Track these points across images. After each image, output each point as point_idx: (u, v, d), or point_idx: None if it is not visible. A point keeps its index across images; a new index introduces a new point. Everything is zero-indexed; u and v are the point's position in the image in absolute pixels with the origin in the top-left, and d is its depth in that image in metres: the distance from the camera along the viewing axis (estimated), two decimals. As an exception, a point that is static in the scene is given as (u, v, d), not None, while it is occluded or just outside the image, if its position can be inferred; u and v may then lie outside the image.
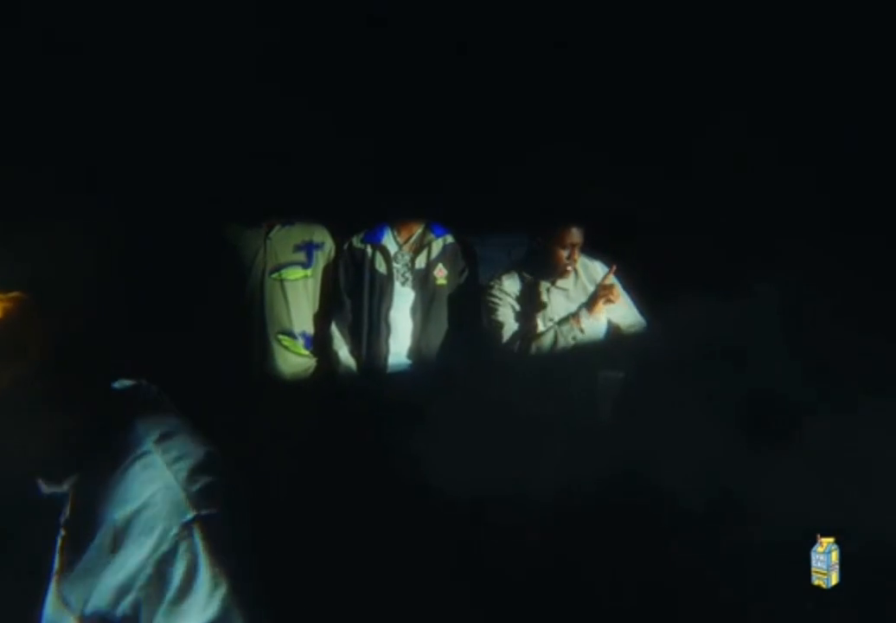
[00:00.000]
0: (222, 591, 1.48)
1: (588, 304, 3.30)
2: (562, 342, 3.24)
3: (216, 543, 1.50)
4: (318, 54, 3.59)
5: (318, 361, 3.46)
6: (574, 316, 3.29)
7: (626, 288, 3.39)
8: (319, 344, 3.43)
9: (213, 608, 1.47)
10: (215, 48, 3.26)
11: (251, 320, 3.37)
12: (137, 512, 1.52)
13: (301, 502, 2.93)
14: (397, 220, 3.45)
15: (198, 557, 1.49)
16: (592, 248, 3.38)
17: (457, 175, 3.47)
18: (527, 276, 3.35)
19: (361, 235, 3.44)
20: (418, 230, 3.45)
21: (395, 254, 3.39)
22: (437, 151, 3.48)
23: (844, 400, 2.82)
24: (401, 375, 3.37)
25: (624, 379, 3.20)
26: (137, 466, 1.55)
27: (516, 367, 3.33)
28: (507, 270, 3.38)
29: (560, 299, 3.34)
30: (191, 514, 1.51)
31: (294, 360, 3.41)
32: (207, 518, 1.52)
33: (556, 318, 3.30)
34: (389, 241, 3.43)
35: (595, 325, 3.35)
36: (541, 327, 3.30)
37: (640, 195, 3.32)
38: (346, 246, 3.43)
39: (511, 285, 3.33)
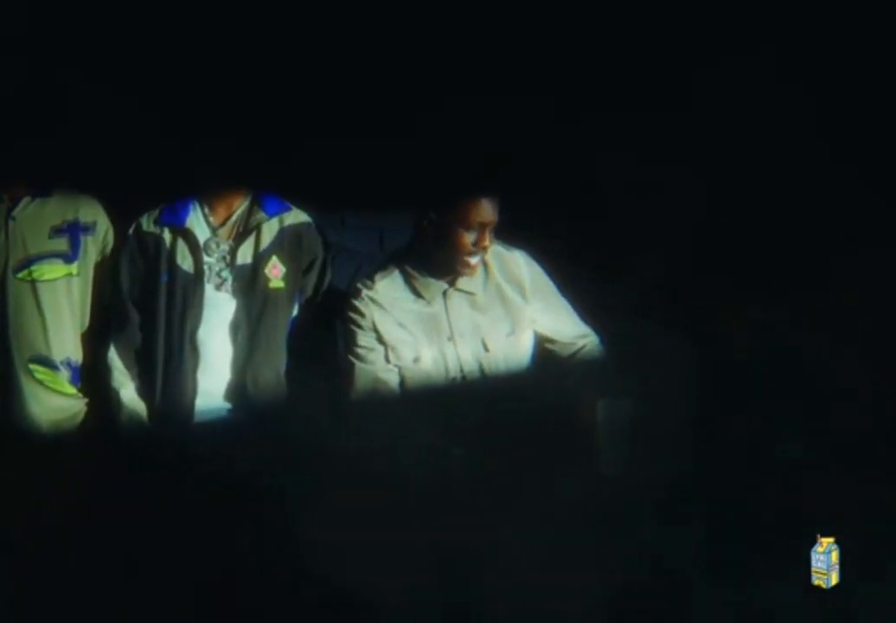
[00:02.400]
0: None
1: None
2: (463, 373, 2.66)
3: None
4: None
5: (89, 404, 2.88)
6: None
7: (565, 289, 2.78)
8: (92, 378, 2.86)
9: None
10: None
11: (-14, 341, 2.82)
12: None
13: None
14: (209, 191, 2.82)
15: None
16: (512, 232, 2.73)
17: (302, 123, 2.91)
18: (412, 273, 2.70)
19: (155, 213, 2.81)
20: (241, 206, 2.80)
21: (207, 242, 2.76)
22: (270, 88, 2.83)
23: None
24: (215, 426, 2.76)
25: (635, 408, 2.52)
26: None
27: (395, 413, 2.66)
28: (382, 266, 2.74)
29: (463, 308, 2.68)
30: None
31: (53, 401, 2.83)
32: None
33: (459, 337, 2.68)
34: (197, 222, 2.79)
35: (514, 345, 2.72)
36: (433, 352, 2.67)
37: (587, 155, 2.81)
38: (131, 230, 2.81)
39: (387, 288, 2.68)
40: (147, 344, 2.76)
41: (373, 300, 2.64)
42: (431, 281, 2.68)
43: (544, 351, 2.75)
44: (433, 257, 2.66)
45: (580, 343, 2.75)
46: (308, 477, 2.54)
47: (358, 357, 2.63)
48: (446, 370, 2.63)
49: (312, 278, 2.79)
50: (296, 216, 2.79)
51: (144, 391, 2.76)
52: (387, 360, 2.62)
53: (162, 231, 2.76)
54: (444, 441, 2.54)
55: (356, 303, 2.65)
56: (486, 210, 2.60)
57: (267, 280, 2.73)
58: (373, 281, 2.68)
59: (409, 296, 2.67)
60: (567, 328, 2.77)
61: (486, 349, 2.64)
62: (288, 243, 2.76)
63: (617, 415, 2.48)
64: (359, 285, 2.67)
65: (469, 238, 2.60)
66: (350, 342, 2.66)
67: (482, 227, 2.59)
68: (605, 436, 2.46)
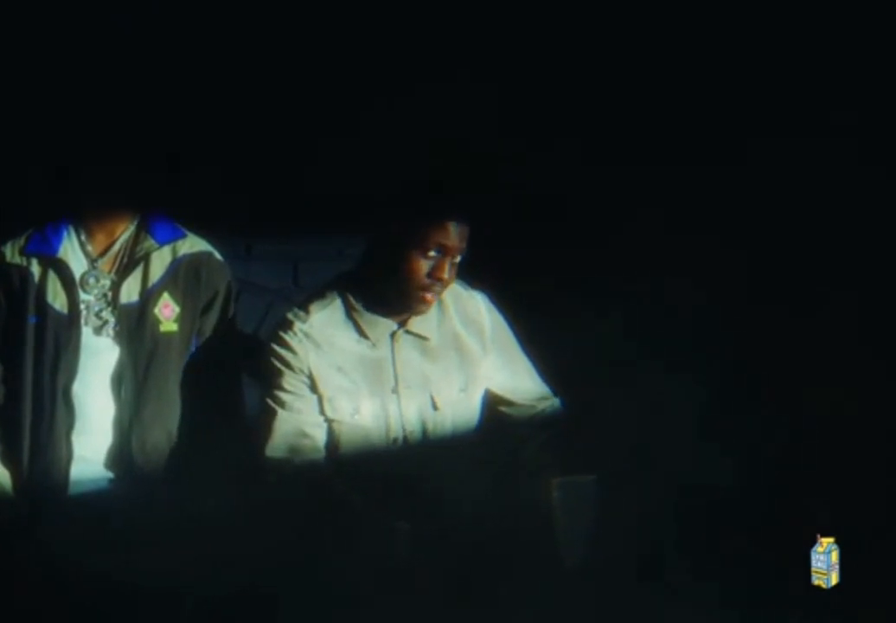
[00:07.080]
0: None
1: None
2: (405, 434, 2.29)
3: None
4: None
5: (-62, 473, 2.56)
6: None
7: (526, 341, 2.45)
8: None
9: None
10: None
11: None
12: None
13: None
14: (87, 214, 2.48)
15: None
16: (474, 266, 2.34)
17: (198, 127, 2.57)
18: (356, 306, 2.31)
19: (21, 241, 2.50)
20: (125, 232, 2.48)
21: (84, 276, 2.45)
22: (157, 83, 2.51)
23: None
24: (94, 498, 2.42)
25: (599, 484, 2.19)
26: None
27: (320, 477, 2.28)
28: (320, 294, 2.34)
29: (412, 354, 2.33)
30: None
31: None
32: None
33: (405, 389, 2.29)
34: (72, 251, 2.48)
35: (466, 404, 2.37)
36: (374, 405, 2.28)
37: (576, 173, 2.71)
38: (-8, 260, 2.58)
39: (326, 323, 2.29)
40: (11, 400, 2.42)
41: (308, 336, 2.26)
42: (379, 319, 2.30)
43: (495, 413, 2.41)
44: (382, 288, 2.28)
45: (539, 406, 2.41)
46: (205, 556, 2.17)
47: (282, 404, 2.24)
48: (387, 428, 2.27)
49: (212, 319, 2.46)
50: (192, 244, 2.46)
51: (8, 457, 2.42)
52: (321, 411, 2.25)
53: (29, 262, 2.42)
54: (387, 515, 2.17)
55: (287, 338, 2.26)
56: (453, 233, 2.20)
57: (157, 322, 2.41)
58: (307, 312, 2.29)
59: (352, 334, 2.30)
60: (526, 388, 2.43)
61: (435, 406, 2.29)
62: (183, 277, 2.43)
63: (577, 495, 2.16)
64: (290, 317, 2.29)
65: (424, 266, 2.20)
66: (273, 384, 2.27)
67: (444, 251, 2.19)
68: (562, 520, 2.13)
